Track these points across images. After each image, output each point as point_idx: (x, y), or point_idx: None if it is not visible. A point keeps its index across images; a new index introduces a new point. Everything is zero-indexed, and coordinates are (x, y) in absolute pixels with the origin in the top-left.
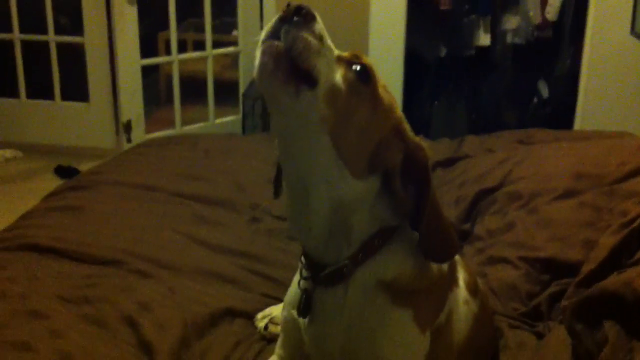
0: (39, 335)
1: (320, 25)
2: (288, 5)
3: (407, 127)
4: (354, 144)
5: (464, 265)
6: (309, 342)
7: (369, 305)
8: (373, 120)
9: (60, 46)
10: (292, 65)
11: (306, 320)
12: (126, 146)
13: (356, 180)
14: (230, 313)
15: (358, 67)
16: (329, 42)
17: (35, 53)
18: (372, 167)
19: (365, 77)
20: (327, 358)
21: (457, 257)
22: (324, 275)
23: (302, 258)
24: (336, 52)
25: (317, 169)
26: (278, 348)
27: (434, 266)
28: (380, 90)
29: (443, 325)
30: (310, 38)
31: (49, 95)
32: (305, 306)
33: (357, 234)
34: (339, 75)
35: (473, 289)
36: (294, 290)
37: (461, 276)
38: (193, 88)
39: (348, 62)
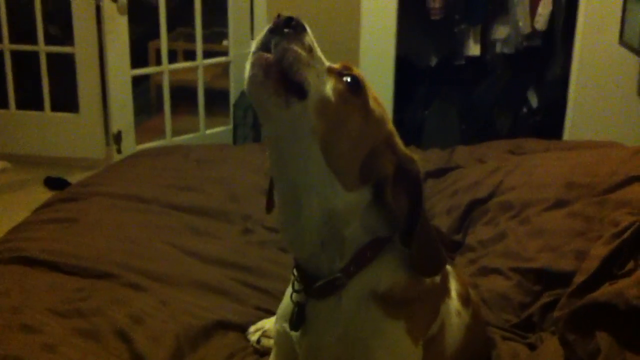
0: (31, 350)
1: (310, 37)
2: (278, 16)
3: (398, 139)
4: (344, 154)
5: (456, 276)
6: (302, 355)
7: (363, 316)
8: (364, 131)
9: (50, 56)
10: (282, 77)
11: (298, 333)
12: (116, 157)
13: (347, 192)
14: (223, 326)
15: (349, 79)
16: (319, 53)
17: (25, 63)
18: (364, 178)
19: (356, 88)
20: None
21: (448, 268)
22: (316, 288)
23: (294, 270)
24: (327, 63)
25: (309, 180)
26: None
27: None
28: (371, 102)
29: (435, 336)
30: (300, 50)
31: (39, 106)
32: (297, 319)
33: (349, 246)
34: (329, 87)
35: (465, 300)
36: (286, 303)
37: (453, 287)
38: (183, 97)
39: (339, 73)
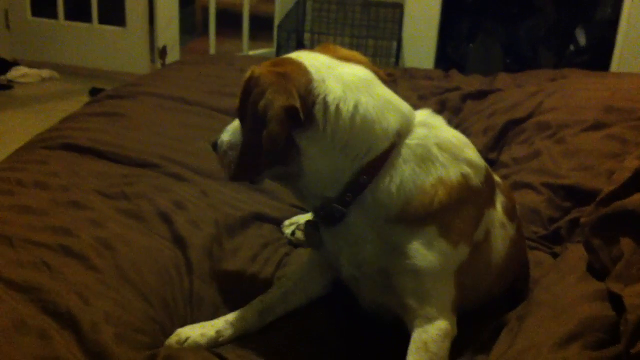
0: (79, 223)
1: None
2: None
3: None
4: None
5: (505, 190)
6: (344, 270)
7: (389, 232)
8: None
9: None
10: None
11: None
12: None
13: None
14: (260, 217)
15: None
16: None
17: None
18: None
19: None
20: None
21: (497, 180)
22: (321, 217)
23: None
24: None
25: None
26: (312, 253)
27: (453, 181)
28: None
29: (481, 243)
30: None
31: (87, 18)
32: (314, 236)
33: (339, 181)
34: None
35: (510, 214)
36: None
37: (499, 199)
38: (227, 22)
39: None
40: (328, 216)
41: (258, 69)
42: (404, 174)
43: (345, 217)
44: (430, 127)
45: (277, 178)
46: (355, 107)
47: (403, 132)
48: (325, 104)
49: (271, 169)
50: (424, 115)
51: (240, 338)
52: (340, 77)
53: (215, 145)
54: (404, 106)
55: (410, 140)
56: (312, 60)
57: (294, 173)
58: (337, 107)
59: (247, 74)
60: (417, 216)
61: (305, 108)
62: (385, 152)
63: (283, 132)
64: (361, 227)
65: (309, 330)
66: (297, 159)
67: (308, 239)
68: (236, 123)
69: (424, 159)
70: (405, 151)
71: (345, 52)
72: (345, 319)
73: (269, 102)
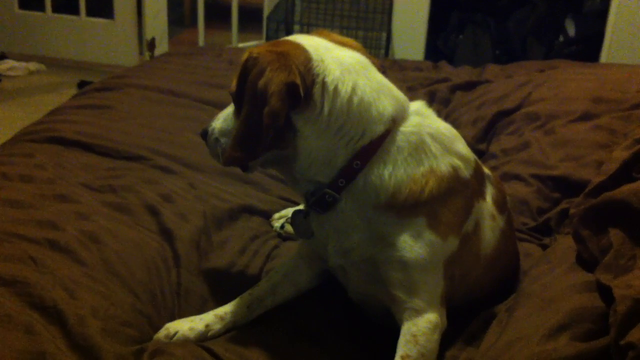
0: (65, 216)
1: (215, 135)
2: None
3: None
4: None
5: (495, 182)
6: (331, 259)
7: (377, 221)
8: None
9: None
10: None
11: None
12: None
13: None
14: (248, 210)
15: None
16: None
17: None
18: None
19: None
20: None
21: (487, 172)
22: (311, 203)
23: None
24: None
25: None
26: (301, 245)
27: (443, 172)
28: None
29: (470, 234)
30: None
31: (75, 11)
32: (305, 225)
33: (333, 165)
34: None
35: (501, 206)
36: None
37: (489, 191)
38: (216, 13)
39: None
40: (320, 202)
41: (256, 50)
42: (396, 160)
43: (336, 204)
44: (424, 116)
45: (271, 163)
46: (353, 89)
47: (398, 118)
48: (324, 84)
49: (267, 153)
50: (418, 105)
51: (234, 334)
52: (338, 58)
53: (205, 134)
54: (399, 93)
55: (405, 128)
56: (310, 42)
57: (289, 156)
58: (336, 87)
59: (245, 55)
60: (407, 205)
61: (305, 87)
62: (379, 137)
63: (284, 109)
64: (351, 214)
65: (305, 327)
66: (293, 141)
67: (296, 229)
68: (228, 110)
69: (417, 147)
70: (400, 138)
71: (340, 37)
72: (343, 317)
73: (269, 80)
